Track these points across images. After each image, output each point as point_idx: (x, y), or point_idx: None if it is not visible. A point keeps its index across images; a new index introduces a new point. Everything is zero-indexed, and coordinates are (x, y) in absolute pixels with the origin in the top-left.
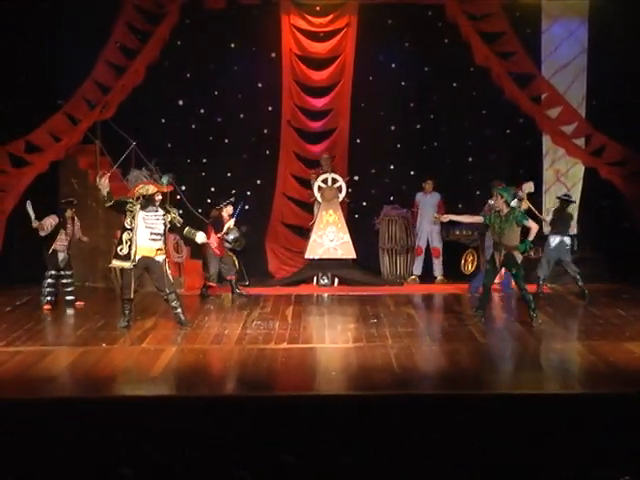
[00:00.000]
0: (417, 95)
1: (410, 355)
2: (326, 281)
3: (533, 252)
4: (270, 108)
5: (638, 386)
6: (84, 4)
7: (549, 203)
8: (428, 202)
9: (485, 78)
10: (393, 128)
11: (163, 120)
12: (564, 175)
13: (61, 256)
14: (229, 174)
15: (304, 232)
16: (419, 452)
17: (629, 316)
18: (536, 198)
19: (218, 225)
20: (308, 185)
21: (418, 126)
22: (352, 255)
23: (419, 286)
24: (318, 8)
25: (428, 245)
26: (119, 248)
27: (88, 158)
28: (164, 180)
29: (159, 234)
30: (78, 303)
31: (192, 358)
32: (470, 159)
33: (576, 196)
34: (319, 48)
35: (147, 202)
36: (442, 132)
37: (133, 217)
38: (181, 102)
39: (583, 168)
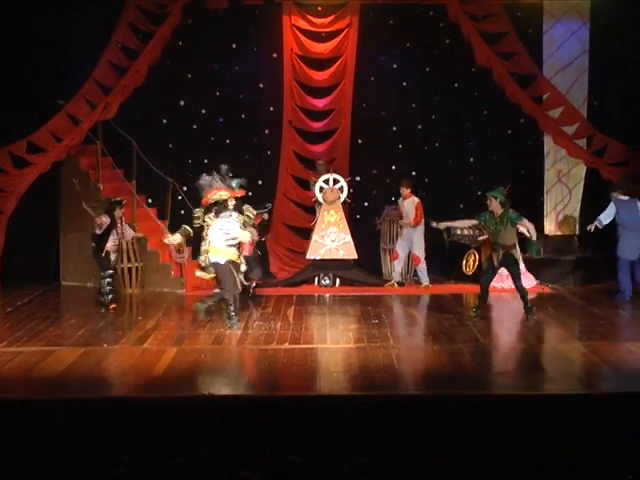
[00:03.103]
0: (418, 95)
1: (412, 355)
2: (328, 281)
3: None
4: (271, 108)
5: (639, 386)
6: (90, 5)
7: (550, 204)
8: (407, 207)
9: (486, 78)
10: (394, 128)
11: (164, 120)
12: (565, 175)
13: (113, 257)
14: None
15: (305, 232)
16: (420, 452)
17: (630, 316)
18: (537, 198)
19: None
20: (306, 185)
21: (419, 126)
22: (354, 255)
23: (420, 287)
24: (320, 8)
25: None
26: (200, 259)
27: (90, 158)
28: (234, 184)
29: (235, 237)
30: (112, 306)
31: (193, 358)
32: (471, 159)
33: (578, 197)
34: (321, 48)
35: (221, 208)
36: (443, 132)
37: (207, 226)
38: (182, 102)
39: (585, 169)
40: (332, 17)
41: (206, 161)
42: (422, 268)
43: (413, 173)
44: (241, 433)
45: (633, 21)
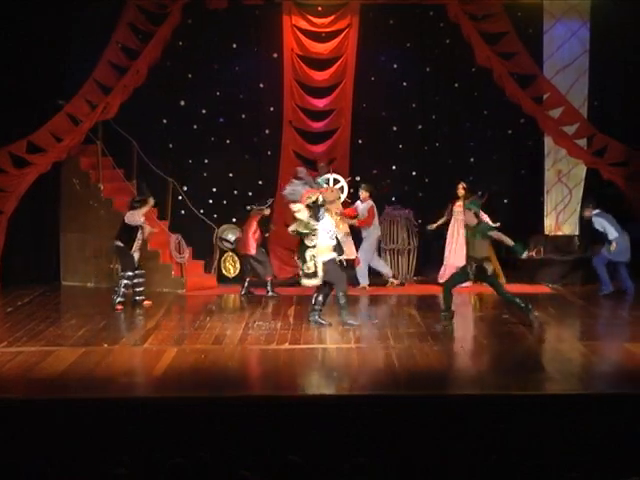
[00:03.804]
0: (419, 95)
1: (412, 356)
2: None
3: (536, 252)
4: (272, 108)
5: (638, 387)
6: (90, 5)
7: (550, 204)
8: (362, 210)
9: (487, 78)
10: (395, 128)
11: (165, 120)
12: (566, 176)
13: (136, 256)
14: (231, 174)
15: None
16: (421, 452)
17: (630, 317)
18: (537, 198)
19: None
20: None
21: (420, 126)
22: (353, 255)
23: (421, 287)
24: (320, 8)
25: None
26: (306, 267)
27: (90, 158)
28: (321, 182)
29: (334, 232)
30: (146, 302)
31: (194, 358)
32: (472, 159)
33: (578, 197)
34: (321, 48)
35: (316, 209)
36: (444, 132)
37: (314, 234)
38: (183, 102)
39: (585, 169)
40: (332, 17)
41: (206, 161)
42: (361, 269)
43: (413, 173)
44: (241, 433)
45: (633, 21)
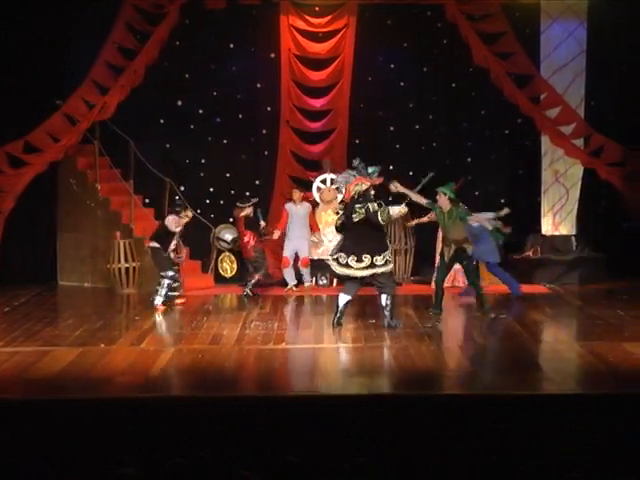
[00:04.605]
0: (416, 95)
1: (409, 356)
2: (325, 281)
3: (533, 252)
4: (269, 108)
5: (636, 387)
6: (90, 5)
7: (548, 204)
8: (298, 212)
9: (484, 78)
10: (392, 128)
11: (162, 120)
12: (563, 175)
13: (172, 256)
14: (228, 174)
15: None
16: (418, 452)
17: (628, 316)
18: (534, 198)
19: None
20: (307, 186)
21: (417, 126)
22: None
23: (418, 287)
24: (317, 8)
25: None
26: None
27: (87, 158)
28: (371, 171)
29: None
30: (180, 301)
31: (191, 359)
32: (469, 159)
33: (575, 197)
34: (318, 48)
35: (364, 198)
36: (441, 132)
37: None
38: (180, 102)
39: (582, 168)
40: (329, 17)
41: (203, 161)
42: (308, 270)
43: (410, 173)
44: (241, 433)
45: (630, 21)
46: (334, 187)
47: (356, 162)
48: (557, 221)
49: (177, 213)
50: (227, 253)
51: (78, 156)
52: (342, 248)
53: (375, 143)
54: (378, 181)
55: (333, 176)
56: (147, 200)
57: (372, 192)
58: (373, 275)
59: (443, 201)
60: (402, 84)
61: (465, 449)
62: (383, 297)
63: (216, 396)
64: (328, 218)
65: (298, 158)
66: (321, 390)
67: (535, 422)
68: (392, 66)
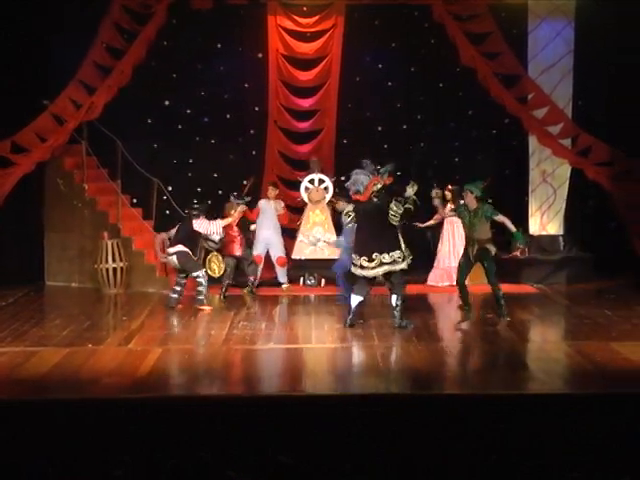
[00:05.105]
0: (404, 95)
1: (397, 355)
2: (313, 281)
3: (520, 252)
4: (257, 108)
5: (624, 386)
6: (76, 5)
7: (535, 203)
8: (270, 209)
9: (471, 79)
10: (380, 128)
11: (149, 120)
12: (550, 175)
13: (160, 256)
14: (215, 175)
15: (291, 232)
16: (406, 452)
17: (615, 316)
18: (522, 198)
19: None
20: (294, 186)
21: (405, 126)
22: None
23: (408, 287)
24: (305, 8)
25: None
26: (398, 254)
27: (74, 158)
28: (383, 171)
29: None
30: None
31: (178, 359)
32: (456, 159)
33: (563, 196)
34: (306, 48)
35: (380, 198)
36: (428, 132)
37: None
38: (167, 102)
39: (570, 168)
40: (317, 17)
41: (191, 161)
42: (284, 270)
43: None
44: (225, 433)
45: (618, 21)
46: (322, 187)
47: (367, 162)
48: (545, 221)
49: (198, 217)
50: (215, 253)
51: (65, 156)
52: (355, 250)
53: (363, 143)
54: (389, 180)
55: (321, 176)
56: (135, 200)
57: (383, 191)
58: (384, 274)
59: (470, 199)
60: (390, 84)
61: (465, 449)
62: (393, 297)
63: (202, 396)
64: (316, 218)
65: (286, 158)
66: (308, 390)
67: (535, 422)
68: (380, 66)
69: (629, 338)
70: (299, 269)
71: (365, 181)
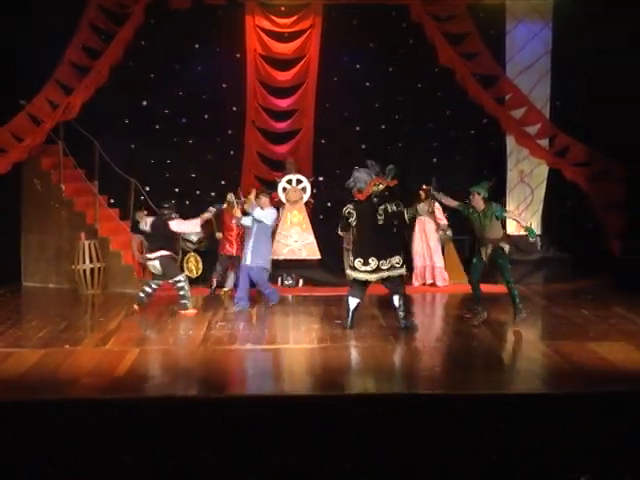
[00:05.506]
0: (382, 96)
1: (374, 355)
2: (290, 281)
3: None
4: (234, 109)
5: (601, 386)
6: (47, 3)
7: (513, 203)
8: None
9: (450, 79)
10: (358, 128)
11: (127, 120)
12: (528, 175)
13: (136, 256)
14: (193, 175)
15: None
16: (406, 452)
17: (592, 316)
18: (500, 198)
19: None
20: (272, 187)
21: (383, 126)
22: (316, 256)
23: (383, 287)
24: (283, 9)
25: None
26: (397, 260)
27: (51, 159)
28: (387, 172)
29: None
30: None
31: (156, 359)
32: (435, 160)
33: (540, 196)
34: (284, 49)
35: (380, 199)
36: (407, 133)
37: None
38: (145, 102)
39: (547, 169)
40: (295, 17)
41: (169, 161)
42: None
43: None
44: (240, 434)
45: (595, 22)
46: (300, 187)
47: (372, 162)
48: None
49: (172, 218)
50: (192, 253)
51: (42, 156)
52: (353, 252)
53: (341, 143)
54: (393, 183)
55: (299, 176)
56: (112, 200)
57: (386, 193)
58: (381, 279)
59: (477, 201)
60: (368, 84)
61: (465, 449)
62: (395, 298)
63: (179, 396)
64: (294, 218)
65: (264, 158)
66: (286, 391)
67: (499, 422)
68: (358, 66)
69: (606, 338)
70: (277, 269)
71: (367, 180)
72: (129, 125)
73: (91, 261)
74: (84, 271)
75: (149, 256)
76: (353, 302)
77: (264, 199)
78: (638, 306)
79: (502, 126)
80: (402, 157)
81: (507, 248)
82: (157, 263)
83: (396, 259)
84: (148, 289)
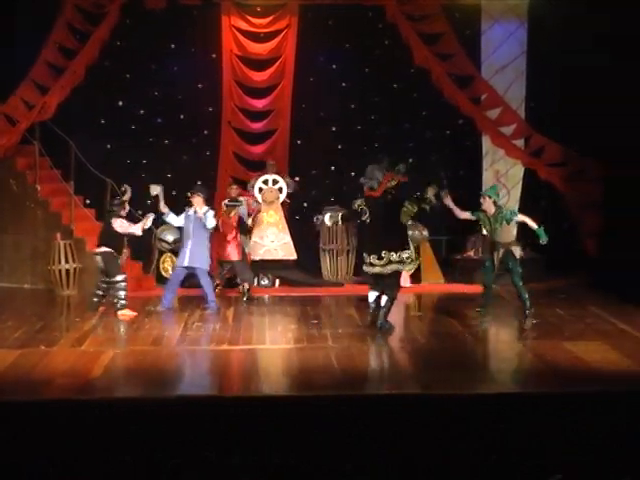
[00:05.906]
0: (358, 96)
1: (351, 356)
2: (267, 282)
3: (474, 252)
4: (210, 109)
5: (577, 385)
6: (20, 2)
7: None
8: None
9: (426, 79)
10: (334, 129)
11: (103, 121)
12: (504, 176)
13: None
14: (169, 175)
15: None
16: (421, 452)
17: (567, 315)
18: (475, 199)
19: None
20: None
21: (359, 127)
22: (293, 256)
23: (360, 287)
24: (259, 9)
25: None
26: (408, 255)
27: (27, 159)
28: (399, 168)
29: None
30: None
31: (132, 360)
32: (410, 160)
33: (516, 197)
34: (259, 49)
35: (393, 196)
36: (383, 133)
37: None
38: (121, 103)
39: (523, 169)
40: (271, 17)
41: (145, 161)
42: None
43: (352, 174)
44: (239, 434)
45: (570, 22)
46: (276, 187)
47: (384, 157)
48: None
49: (120, 216)
50: (169, 254)
51: (18, 157)
52: (365, 249)
53: (317, 143)
54: (404, 179)
55: (275, 176)
56: (88, 201)
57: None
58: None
59: (488, 205)
60: (344, 85)
61: (465, 449)
62: (384, 298)
63: (155, 397)
64: (270, 219)
65: (240, 159)
66: (263, 391)
67: (535, 422)
68: (334, 66)
69: (581, 337)
70: (253, 270)
71: (380, 177)
72: (105, 125)
73: (67, 261)
74: (60, 271)
75: (94, 250)
76: (372, 295)
77: (197, 199)
78: (613, 305)
79: (478, 126)
80: (378, 157)
81: (518, 252)
82: (99, 258)
83: (407, 253)
84: (99, 291)
